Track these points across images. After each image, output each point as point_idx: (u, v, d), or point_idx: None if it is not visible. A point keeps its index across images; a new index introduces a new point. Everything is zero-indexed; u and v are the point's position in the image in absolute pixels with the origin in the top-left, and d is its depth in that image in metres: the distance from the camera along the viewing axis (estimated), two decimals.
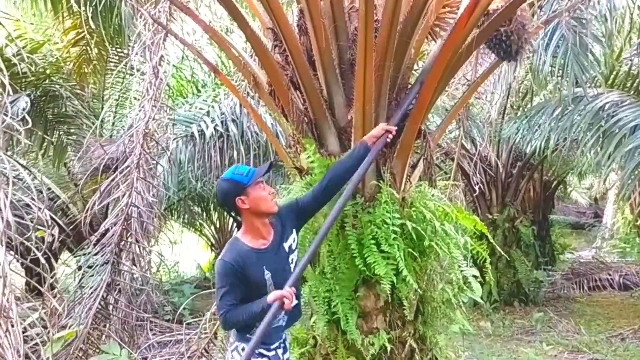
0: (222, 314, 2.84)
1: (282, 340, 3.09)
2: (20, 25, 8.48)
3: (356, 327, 3.53)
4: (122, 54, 8.61)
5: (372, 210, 3.52)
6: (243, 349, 2.95)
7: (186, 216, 12.20)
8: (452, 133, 9.80)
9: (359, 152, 3.30)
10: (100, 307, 6.07)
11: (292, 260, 3.09)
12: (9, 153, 6.11)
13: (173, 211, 11.26)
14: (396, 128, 3.45)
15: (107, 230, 6.42)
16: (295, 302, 2.91)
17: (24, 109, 6.51)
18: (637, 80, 7.52)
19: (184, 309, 7.34)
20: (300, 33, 3.80)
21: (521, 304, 9.70)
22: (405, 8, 3.48)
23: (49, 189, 8.77)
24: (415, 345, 3.72)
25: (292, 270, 3.06)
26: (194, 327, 6.42)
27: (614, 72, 7.71)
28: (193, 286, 10.52)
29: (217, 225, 13.58)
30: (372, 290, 3.64)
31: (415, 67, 4.25)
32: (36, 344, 4.47)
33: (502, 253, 6.99)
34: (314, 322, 3.66)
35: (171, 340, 6.72)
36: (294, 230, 3.14)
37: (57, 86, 8.08)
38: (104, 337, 6.08)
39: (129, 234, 6.41)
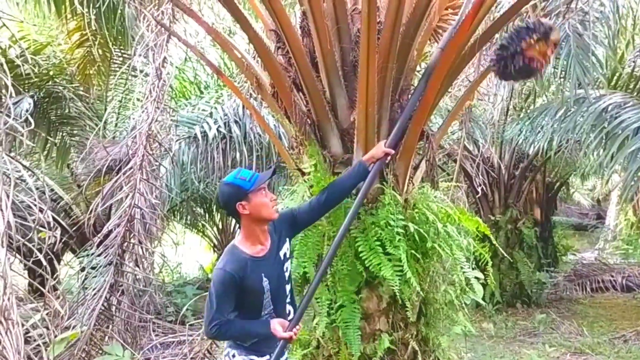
0: (215, 324, 2.83)
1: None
2: (24, 27, 8.50)
3: (358, 329, 3.53)
4: (126, 55, 8.62)
5: (375, 212, 3.53)
6: (234, 356, 2.97)
7: (189, 217, 12.19)
8: (455, 134, 9.80)
9: (357, 172, 3.32)
10: (103, 308, 6.07)
11: (287, 268, 3.10)
12: (12, 154, 6.13)
13: (176, 212, 11.26)
14: (394, 152, 3.45)
15: (110, 232, 6.42)
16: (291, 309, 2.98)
17: (27, 110, 6.53)
18: None
19: (187, 310, 7.35)
20: (303, 35, 3.80)
21: (524, 306, 9.69)
22: (408, 10, 3.48)
23: (52, 190, 8.78)
24: (417, 347, 3.72)
25: (286, 278, 3.08)
26: (196, 328, 6.44)
27: (617, 74, 7.70)
28: (196, 287, 10.51)
29: (220, 227, 13.57)
30: (375, 292, 3.65)
31: (418, 68, 4.25)
32: (39, 345, 4.47)
33: (505, 254, 6.98)
34: (316, 324, 3.66)
35: (174, 342, 6.73)
36: (288, 239, 3.16)
37: (60, 87, 8.10)
38: (106, 338, 6.08)
39: (132, 235, 6.41)
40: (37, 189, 5.23)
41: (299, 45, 3.58)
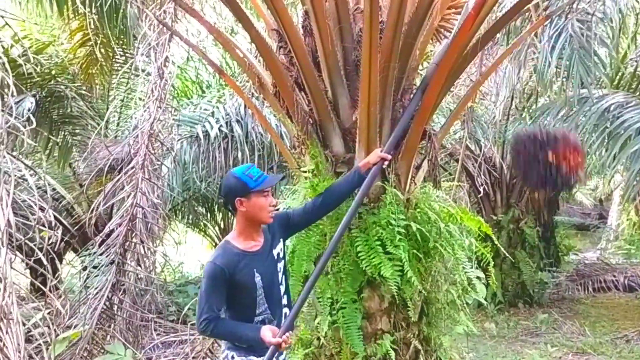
0: (204, 319, 2.82)
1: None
2: (26, 26, 8.50)
3: (360, 328, 3.53)
4: (128, 54, 8.62)
5: (377, 212, 3.52)
6: (232, 357, 2.95)
7: (190, 217, 12.18)
8: (457, 134, 9.79)
9: (352, 178, 3.33)
10: (105, 307, 6.08)
11: (280, 268, 3.09)
12: (15, 153, 6.13)
13: (177, 212, 11.25)
14: (390, 157, 3.44)
15: (112, 231, 6.43)
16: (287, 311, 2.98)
17: (29, 110, 6.54)
18: None
19: (189, 309, 7.34)
20: (305, 34, 3.80)
21: (526, 306, 9.68)
22: (410, 9, 3.48)
23: (54, 189, 8.79)
24: (419, 347, 3.72)
25: (280, 278, 3.07)
26: None
27: (620, 74, 7.69)
28: (197, 287, 10.49)
29: (222, 226, 13.56)
30: (377, 292, 3.64)
31: (420, 68, 4.25)
32: (41, 344, 4.47)
33: (507, 254, 6.98)
34: (318, 323, 3.66)
35: (175, 341, 6.72)
36: (282, 240, 3.16)
37: (62, 87, 8.11)
38: (108, 337, 6.09)
39: (133, 235, 6.42)
40: (39, 188, 5.24)
41: (301, 45, 3.57)
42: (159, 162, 7.04)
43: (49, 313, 4.69)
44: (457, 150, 9.28)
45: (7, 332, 3.62)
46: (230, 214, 12.57)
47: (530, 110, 9.06)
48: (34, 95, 7.26)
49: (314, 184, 3.62)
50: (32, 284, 7.93)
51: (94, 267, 6.49)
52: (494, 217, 9.90)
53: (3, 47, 6.78)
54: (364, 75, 3.29)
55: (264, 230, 3.07)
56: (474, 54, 3.82)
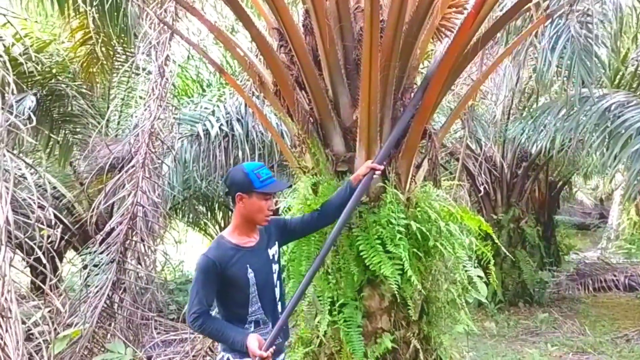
0: (194, 313, 2.82)
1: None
2: (27, 25, 8.50)
3: (360, 327, 3.52)
4: (129, 53, 8.62)
5: (377, 211, 3.52)
6: (228, 359, 2.93)
7: (191, 215, 12.19)
8: (457, 133, 9.80)
9: (345, 192, 3.31)
10: (105, 305, 6.08)
11: (275, 270, 3.09)
12: (15, 152, 6.13)
13: (178, 210, 11.26)
14: (382, 167, 3.42)
15: (112, 229, 6.43)
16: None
17: (29, 108, 6.54)
18: None
19: None
20: (306, 33, 3.80)
21: (526, 305, 9.69)
22: (411, 8, 3.48)
23: (55, 188, 8.80)
24: (419, 346, 3.71)
25: (275, 280, 3.07)
26: None
27: (620, 73, 7.69)
28: None
29: (222, 225, 13.56)
30: (377, 291, 3.64)
31: (421, 66, 4.24)
32: (41, 342, 4.48)
33: (507, 253, 6.99)
34: (318, 322, 3.65)
35: (176, 339, 6.73)
36: (277, 243, 3.16)
37: (63, 85, 8.11)
38: (109, 335, 6.10)
39: (134, 233, 6.42)
40: (39, 186, 5.25)
41: (301, 44, 3.57)
42: (160, 161, 7.04)
43: (49, 311, 4.69)
44: (458, 149, 9.29)
45: (6, 331, 3.63)
46: (230, 212, 12.63)
47: (531, 110, 9.06)
48: (34, 94, 7.26)
49: (314, 182, 3.62)
50: (32, 282, 7.94)
51: (95, 266, 6.49)
52: (495, 216, 9.91)
53: (4, 46, 6.80)
54: (365, 74, 3.29)
55: (260, 230, 3.08)
56: (474, 53, 3.82)
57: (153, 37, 6.63)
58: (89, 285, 6.39)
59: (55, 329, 5.06)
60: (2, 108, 4.24)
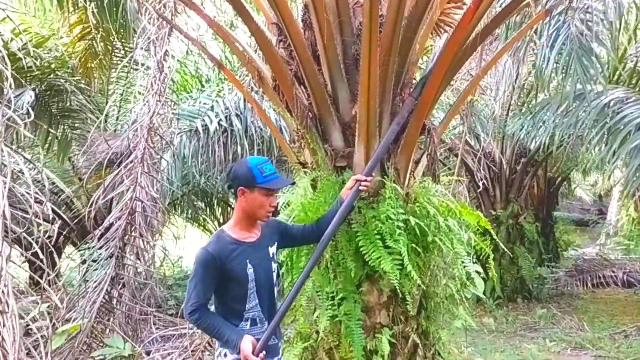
0: (191, 305, 2.81)
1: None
2: (26, 19, 8.49)
3: (359, 321, 3.53)
4: (127, 48, 8.61)
5: (376, 206, 3.52)
6: (225, 355, 2.92)
7: (190, 211, 12.19)
8: (456, 129, 9.80)
9: (336, 207, 3.29)
10: (104, 300, 6.09)
11: (275, 269, 3.08)
12: (14, 146, 6.13)
13: (177, 206, 11.26)
14: (371, 178, 3.38)
15: (111, 225, 6.44)
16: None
17: (28, 103, 6.53)
18: None
19: None
20: (305, 28, 3.79)
21: (524, 301, 9.71)
22: (410, 3, 3.47)
23: (53, 183, 8.79)
24: (418, 341, 3.72)
25: (274, 278, 3.06)
26: None
27: (619, 69, 7.68)
28: None
29: (221, 220, 13.57)
30: (376, 286, 3.64)
31: (420, 62, 4.24)
32: (39, 337, 4.48)
33: (506, 249, 6.97)
34: (317, 317, 3.66)
35: (174, 334, 6.74)
36: (277, 243, 3.14)
37: (62, 80, 8.10)
38: (107, 330, 6.10)
39: (133, 228, 6.42)
40: (37, 181, 5.24)
41: (300, 39, 3.57)
42: (159, 156, 7.04)
43: (47, 306, 4.69)
44: (457, 145, 9.29)
45: (4, 326, 3.62)
46: (229, 207, 12.65)
47: (530, 106, 9.06)
48: (33, 89, 7.25)
49: (313, 177, 3.62)
50: (31, 277, 7.95)
51: (93, 261, 6.50)
52: (493, 212, 9.93)
53: (3, 41, 6.78)
54: (364, 69, 3.28)
55: (262, 226, 3.07)
56: (473, 48, 3.81)
57: (152, 32, 6.62)
58: (87, 281, 6.40)
59: (53, 324, 5.07)
60: (1, 103, 4.23)
